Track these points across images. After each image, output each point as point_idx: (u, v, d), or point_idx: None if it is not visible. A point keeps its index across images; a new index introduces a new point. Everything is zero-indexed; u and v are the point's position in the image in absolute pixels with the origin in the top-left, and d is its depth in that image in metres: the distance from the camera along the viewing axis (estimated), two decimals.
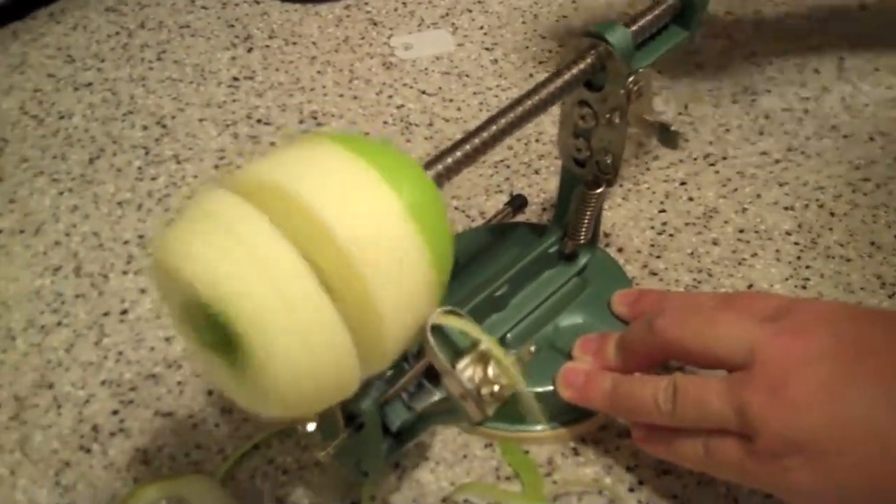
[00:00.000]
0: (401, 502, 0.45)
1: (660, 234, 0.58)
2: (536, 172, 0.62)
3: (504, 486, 0.45)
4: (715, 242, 0.57)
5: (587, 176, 0.48)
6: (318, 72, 0.71)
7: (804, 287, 0.54)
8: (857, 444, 0.37)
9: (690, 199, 0.60)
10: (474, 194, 0.61)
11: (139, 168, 0.63)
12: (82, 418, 0.48)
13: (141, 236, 0.58)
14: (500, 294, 0.48)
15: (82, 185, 0.62)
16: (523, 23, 0.76)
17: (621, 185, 0.61)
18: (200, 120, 0.67)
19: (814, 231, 0.57)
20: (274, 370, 0.29)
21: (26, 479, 0.46)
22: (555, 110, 0.46)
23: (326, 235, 0.30)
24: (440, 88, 0.69)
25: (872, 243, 0.57)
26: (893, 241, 0.57)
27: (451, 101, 0.68)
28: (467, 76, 0.70)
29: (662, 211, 0.59)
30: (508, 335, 0.48)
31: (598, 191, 0.48)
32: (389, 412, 0.41)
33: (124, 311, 0.54)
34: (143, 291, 0.55)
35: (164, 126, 0.66)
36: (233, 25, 0.76)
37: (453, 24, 0.76)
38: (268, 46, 0.74)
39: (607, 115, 0.45)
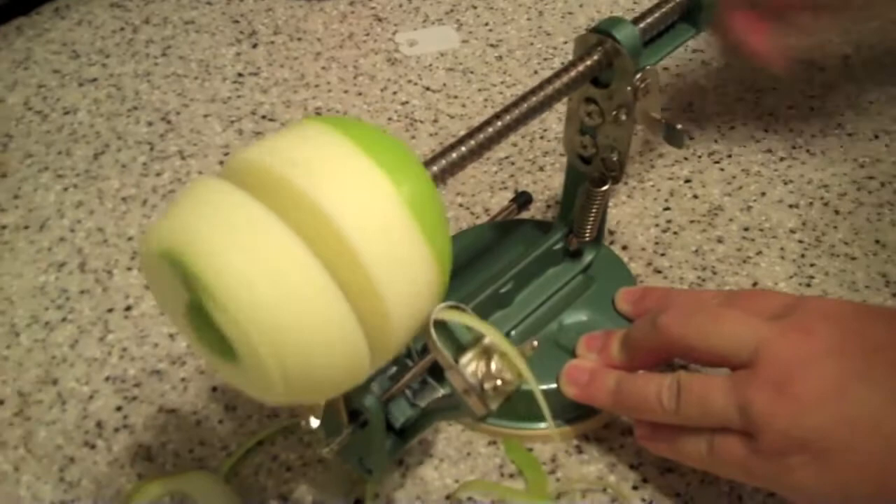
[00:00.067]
0: (404, 499, 0.45)
1: (664, 231, 0.57)
2: (541, 169, 0.62)
3: (507, 483, 0.45)
4: (719, 240, 0.57)
5: (593, 173, 0.48)
6: (323, 68, 0.71)
7: (808, 285, 0.54)
8: (863, 442, 0.37)
9: (695, 196, 0.60)
10: (479, 191, 0.61)
11: (144, 164, 0.63)
12: (86, 414, 0.48)
13: (145, 232, 0.58)
14: (504, 291, 0.48)
15: (87, 181, 0.62)
16: (528, 19, 0.76)
17: (626, 183, 0.61)
18: (205, 116, 0.67)
19: (818, 229, 0.57)
20: (283, 368, 0.29)
21: (30, 475, 0.46)
22: (559, 107, 0.46)
23: (333, 229, 0.29)
24: (445, 85, 0.69)
25: (877, 241, 0.56)
26: None
27: (455, 97, 0.68)
28: (472, 73, 0.70)
29: (667, 208, 0.59)
30: (512, 332, 0.48)
31: (604, 188, 0.48)
32: (393, 409, 0.41)
33: (128, 308, 0.54)
34: (147, 288, 0.55)
35: (168, 122, 0.66)
36: (238, 21, 0.76)
37: (458, 20, 0.76)
38: (272, 42, 0.74)
39: (614, 113, 0.45)
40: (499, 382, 0.36)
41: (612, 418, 0.47)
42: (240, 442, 0.47)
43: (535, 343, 0.37)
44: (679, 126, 0.45)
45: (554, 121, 0.65)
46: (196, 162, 0.63)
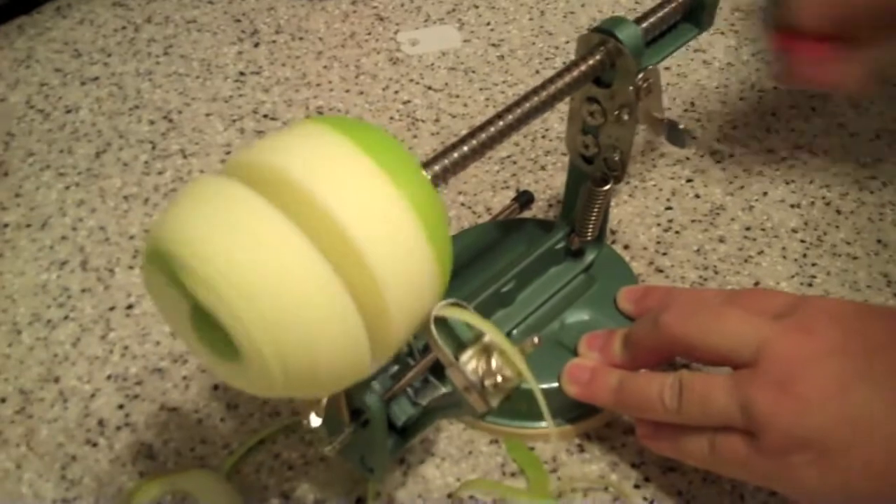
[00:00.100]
0: (406, 498, 0.45)
1: (666, 231, 0.57)
2: (543, 169, 0.62)
3: (509, 482, 0.45)
4: (721, 240, 0.57)
5: (595, 173, 0.48)
6: (325, 67, 0.71)
7: (810, 285, 0.54)
8: (864, 441, 0.37)
9: (697, 196, 0.60)
10: (481, 190, 0.61)
11: (146, 162, 0.63)
12: (88, 412, 0.49)
13: (147, 231, 0.58)
14: (506, 290, 0.48)
15: (89, 180, 0.62)
16: (530, 19, 0.76)
17: (628, 182, 0.61)
18: (207, 114, 0.67)
19: (820, 229, 0.57)
20: (283, 361, 0.29)
21: (32, 473, 0.46)
22: (561, 107, 0.46)
23: (335, 226, 0.29)
24: (446, 84, 0.69)
25: (879, 241, 0.56)
26: None
27: (457, 96, 0.68)
28: (473, 72, 0.70)
29: (669, 208, 0.59)
30: (514, 331, 0.48)
31: (606, 188, 0.48)
32: (395, 408, 0.41)
33: (130, 306, 0.54)
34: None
35: (170, 120, 0.66)
36: (239, 20, 0.76)
37: (460, 19, 0.76)
38: (274, 41, 0.74)
39: (616, 112, 0.45)
40: (499, 379, 0.36)
41: (613, 417, 0.47)
42: (241, 440, 0.47)
43: (537, 339, 0.37)
44: (681, 126, 0.45)
45: (556, 120, 0.65)
46: (197, 161, 0.63)
